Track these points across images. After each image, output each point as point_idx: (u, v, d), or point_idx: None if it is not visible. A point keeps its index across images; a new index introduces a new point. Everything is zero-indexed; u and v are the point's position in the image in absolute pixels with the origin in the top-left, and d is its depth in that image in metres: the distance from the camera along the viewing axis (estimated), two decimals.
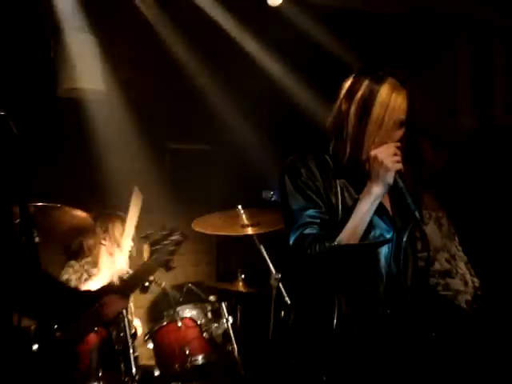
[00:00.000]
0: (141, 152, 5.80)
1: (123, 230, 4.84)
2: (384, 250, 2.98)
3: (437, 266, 4.34)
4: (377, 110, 2.92)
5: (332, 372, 2.93)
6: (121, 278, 4.51)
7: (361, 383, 2.93)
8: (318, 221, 2.89)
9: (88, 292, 3.85)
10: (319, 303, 2.96)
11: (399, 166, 2.86)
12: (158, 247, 3.70)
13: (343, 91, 3.01)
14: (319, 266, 2.86)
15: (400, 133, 2.94)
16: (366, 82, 2.96)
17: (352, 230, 2.83)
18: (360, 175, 2.91)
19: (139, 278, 3.73)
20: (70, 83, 5.26)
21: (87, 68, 5.27)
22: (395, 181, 2.86)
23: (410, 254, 3.11)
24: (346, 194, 2.95)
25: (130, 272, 4.52)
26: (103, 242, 5.02)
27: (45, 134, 5.10)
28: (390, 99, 2.92)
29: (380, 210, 2.95)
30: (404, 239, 2.99)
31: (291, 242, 2.89)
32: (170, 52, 5.67)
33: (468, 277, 4.38)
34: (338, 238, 2.80)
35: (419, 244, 4.05)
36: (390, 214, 3.04)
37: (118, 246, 4.95)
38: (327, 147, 3.07)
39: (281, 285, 4.82)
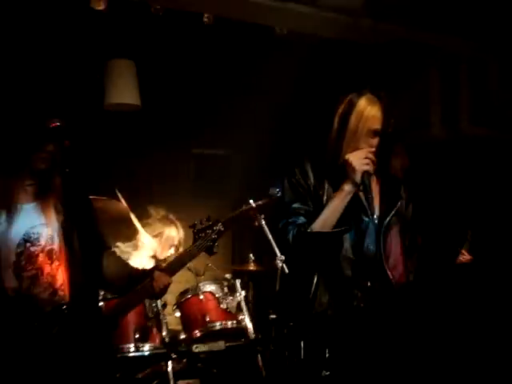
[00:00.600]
0: (170, 157, 5.83)
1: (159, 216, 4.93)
2: (368, 233, 3.01)
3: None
4: (353, 120, 2.99)
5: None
6: (166, 261, 4.58)
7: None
8: (303, 212, 2.97)
9: (143, 270, 3.87)
10: (301, 283, 3.04)
11: (367, 167, 2.93)
12: (201, 235, 3.74)
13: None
14: (294, 248, 2.95)
15: (375, 141, 2.99)
16: (348, 98, 3.03)
17: (324, 220, 2.91)
18: (340, 176, 2.97)
19: (183, 260, 3.76)
20: (113, 98, 5.34)
21: (127, 86, 5.33)
22: (362, 179, 2.92)
23: (394, 235, 3.10)
24: (331, 191, 3.00)
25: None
26: (143, 226, 5.00)
27: (94, 141, 5.13)
28: (365, 110, 2.98)
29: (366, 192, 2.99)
30: (385, 222, 3.04)
31: (279, 228, 2.99)
32: (195, 70, 5.70)
33: None
34: (312, 226, 2.90)
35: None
36: (375, 199, 3.07)
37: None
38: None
39: (284, 266, 4.85)
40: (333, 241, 2.97)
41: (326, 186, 3.01)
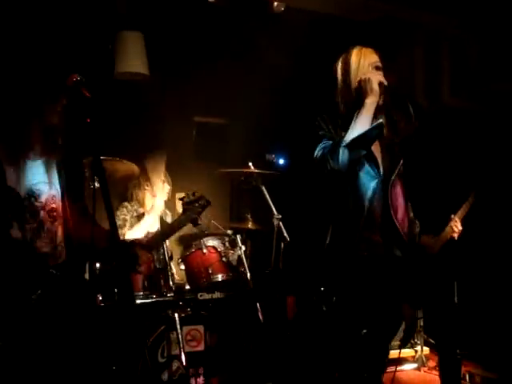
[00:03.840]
0: (174, 124, 5.91)
1: (160, 179, 5.02)
2: (372, 187, 3.03)
3: None
4: (353, 57, 3.11)
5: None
6: (151, 234, 4.66)
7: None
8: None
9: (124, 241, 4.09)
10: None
11: (382, 78, 3.00)
12: (189, 207, 3.94)
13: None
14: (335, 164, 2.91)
15: (379, 76, 3.05)
16: (343, 53, 3.17)
17: (355, 132, 2.94)
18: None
19: (173, 228, 3.89)
20: (123, 68, 5.40)
21: (136, 57, 5.39)
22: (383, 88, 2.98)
23: (399, 192, 3.16)
24: None
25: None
26: (146, 187, 5.10)
27: (105, 107, 5.15)
28: (362, 49, 3.14)
29: (369, 157, 3.03)
30: (392, 178, 3.09)
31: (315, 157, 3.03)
32: (199, 43, 5.77)
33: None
34: (345, 139, 2.93)
35: None
36: (379, 161, 3.10)
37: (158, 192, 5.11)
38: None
39: (281, 223, 4.97)
40: (371, 141, 2.99)
41: (343, 134, 3.03)
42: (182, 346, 4.10)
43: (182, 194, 4.21)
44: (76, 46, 4.87)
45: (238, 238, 4.85)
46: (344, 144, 2.90)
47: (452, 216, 4.50)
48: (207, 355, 4.36)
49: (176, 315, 4.20)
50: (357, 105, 3.04)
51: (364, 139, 2.95)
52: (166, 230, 4.32)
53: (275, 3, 5.42)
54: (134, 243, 3.95)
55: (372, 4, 5.49)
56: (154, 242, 4.13)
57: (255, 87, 5.79)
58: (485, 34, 5.81)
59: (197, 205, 3.98)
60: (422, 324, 5.70)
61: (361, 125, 2.94)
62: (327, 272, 3.16)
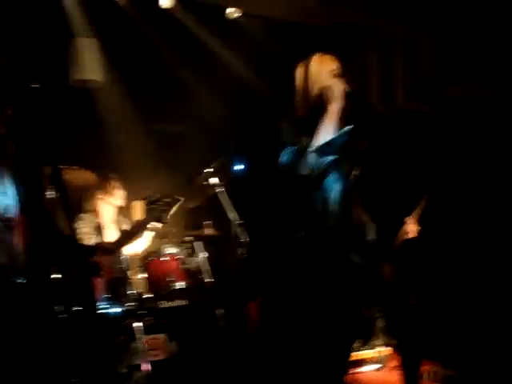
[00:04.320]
0: (132, 131, 5.87)
1: (119, 189, 4.93)
2: (338, 190, 3.03)
3: None
4: (313, 65, 3.07)
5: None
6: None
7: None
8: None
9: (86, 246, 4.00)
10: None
11: (344, 85, 2.96)
12: (152, 206, 3.87)
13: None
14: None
15: (341, 83, 3.01)
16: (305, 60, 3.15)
17: (321, 137, 2.90)
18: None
19: (136, 230, 3.83)
20: (77, 75, 5.34)
21: (90, 64, 5.35)
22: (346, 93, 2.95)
23: (355, 198, 3.15)
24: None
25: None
26: (105, 196, 4.95)
27: (60, 115, 5.09)
28: (322, 56, 3.12)
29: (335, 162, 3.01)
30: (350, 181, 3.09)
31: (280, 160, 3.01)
32: (155, 50, 5.69)
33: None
34: (312, 144, 2.90)
35: None
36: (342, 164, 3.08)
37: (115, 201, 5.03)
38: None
39: (239, 229, 4.95)
40: (337, 147, 2.97)
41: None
42: (143, 355, 4.06)
43: (139, 203, 4.17)
44: (29, 52, 4.79)
45: (198, 245, 4.83)
46: (311, 150, 2.91)
47: (405, 219, 4.55)
48: (169, 364, 4.32)
49: (137, 324, 4.16)
50: (319, 111, 3.05)
51: (331, 145, 2.95)
52: (129, 232, 4.24)
53: (229, 9, 5.41)
54: (95, 248, 3.88)
55: (326, 9, 5.53)
56: (116, 246, 4.07)
57: (212, 94, 5.79)
58: (437, 37, 5.91)
59: (161, 203, 3.91)
60: (383, 325, 5.76)
61: (326, 131, 2.94)
62: (295, 276, 3.16)
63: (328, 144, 2.92)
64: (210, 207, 5.50)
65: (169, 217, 3.97)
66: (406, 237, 4.48)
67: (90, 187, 4.85)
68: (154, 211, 3.89)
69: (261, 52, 5.47)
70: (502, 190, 5.52)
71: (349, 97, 2.99)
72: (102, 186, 4.98)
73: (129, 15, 5.33)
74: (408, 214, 4.56)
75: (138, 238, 4.25)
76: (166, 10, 5.31)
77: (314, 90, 3.06)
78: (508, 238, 5.44)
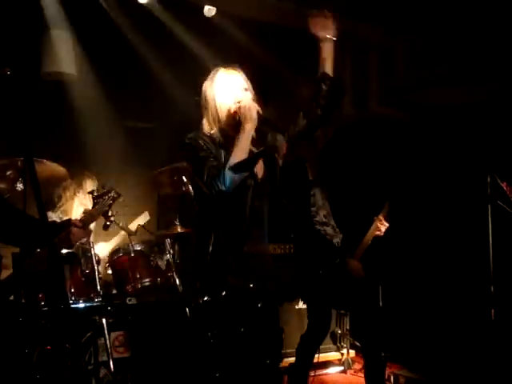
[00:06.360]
0: (104, 127, 5.84)
1: (93, 186, 4.87)
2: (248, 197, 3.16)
3: (318, 218, 4.59)
4: (221, 81, 3.17)
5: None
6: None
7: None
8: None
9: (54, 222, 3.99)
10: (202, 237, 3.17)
11: (256, 107, 3.07)
12: (99, 200, 3.91)
13: None
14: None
15: (248, 95, 3.14)
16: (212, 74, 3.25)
17: (237, 156, 3.01)
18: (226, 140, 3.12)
19: (86, 222, 3.82)
20: (49, 67, 5.30)
21: (63, 56, 5.31)
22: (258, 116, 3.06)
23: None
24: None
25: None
26: (77, 194, 4.96)
27: (31, 107, 5.03)
28: (229, 69, 3.21)
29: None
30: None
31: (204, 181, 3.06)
32: (130, 46, 5.64)
33: (335, 227, 4.62)
34: (229, 163, 3.01)
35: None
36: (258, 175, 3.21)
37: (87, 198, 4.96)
38: None
39: None
40: (253, 165, 3.12)
41: (222, 152, 3.11)
42: (109, 352, 4.04)
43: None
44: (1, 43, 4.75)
45: (167, 242, 4.81)
46: (228, 167, 3.00)
47: (375, 218, 4.62)
48: (135, 361, 4.31)
49: (104, 320, 4.13)
50: (233, 128, 3.12)
51: (247, 163, 3.06)
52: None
53: (206, 7, 5.41)
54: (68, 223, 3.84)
55: (302, 11, 5.54)
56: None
57: (184, 91, 5.78)
58: (412, 42, 5.98)
59: (106, 197, 3.93)
60: (347, 327, 5.82)
61: (242, 150, 3.04)
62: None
63: (244, 162, 3.02)
64: (176, 205, 5.53)
65: (110, 212, 4.02)
66: (376, 234, 4.56)
67: (61, 181, 4.80)
68: (101, 205, 3.92)
69: (236, 51, 5.46)
70: (465, 192, 5.63)
71: (262, 118, 3.09)
72: (78, 182, 4.98)
73: (105, 8, 5.29)
74: (375, 214, 4.64)
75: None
76: (142, 5, 5.29)
77: (227, 105, 3.13)
78: (469, 239, 5.55)
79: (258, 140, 3.16)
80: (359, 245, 4.59)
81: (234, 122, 3.10)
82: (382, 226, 4.58)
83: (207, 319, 3.16)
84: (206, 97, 3.19)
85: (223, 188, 2.97)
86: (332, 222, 4.63)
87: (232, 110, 3.11)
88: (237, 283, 3.10)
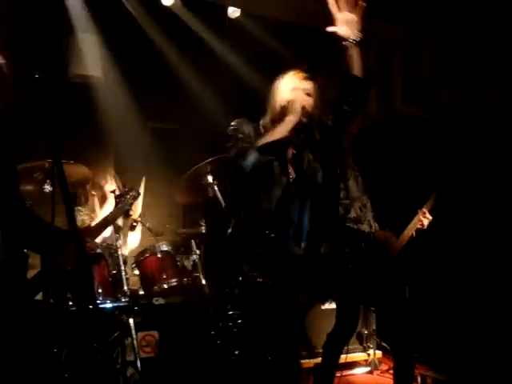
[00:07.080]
0: (130, 128, 5.89)
1: (116, 186, 4.91)
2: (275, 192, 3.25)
3: (352, 213, 4.40)
4: (285, 80, 3.39)
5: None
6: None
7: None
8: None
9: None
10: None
11: (307, 102, 3.26)
12: (121, 199, 3.96)
13: None
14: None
15: (304, 100, 3.28)
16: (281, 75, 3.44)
17: (267, 138, 3.19)
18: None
19: (109, 220, 3.86)
20: (76, 70, 5.38)
21: (89, 59, 5.38)
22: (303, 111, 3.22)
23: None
24: None
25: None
26: (93, 193, 5.03)
27: (58, 109, 5.07)
28: (297, 74, 3.39)
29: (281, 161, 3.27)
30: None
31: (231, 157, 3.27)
32: (155, 48, 5.71)
33: (372, 223, 4.47)
34: (258, 142, 3.18)
35: (342, 193, 4.33)
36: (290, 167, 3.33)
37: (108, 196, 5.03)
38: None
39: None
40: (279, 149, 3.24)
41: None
42: (136, 351, 4.07)
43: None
44: (29, 46, 4.81)
45: (193, 243, 4.84)
46: (256, 147, 3.15)
47: (419, 210, 4.53)
48: (162, 361, 4.33)
49: (131, 320, 4.16)
50: (279, 120, 3.28)
51: (273, 147, 3.18)
52: (99, 225, 4.25)
53: (230, 9, 5.44)
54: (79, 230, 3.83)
55: (327, 11, 5.53)
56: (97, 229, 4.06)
57: (210, 92, 5.81)
58: (436, 41, 5.94)
59: (128, 196, 3.99)
60: (374, 328, 5.79)
61: (273, 134, 3.19)
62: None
63: (270, 145, 3.17)
64: (202, 206, 5.54)
65: (132, 211, 4.08)
66: (419, 227, 4.48)
67: (86, 183, 4.86)
68: (123, 205, 3.97)
69: (261, 52, 5.48)
70: (500, 191, 5.56)
71: (307, 114, 3.26)
72: (94, 183, 5.02)
73: (131, 12, 5.34)
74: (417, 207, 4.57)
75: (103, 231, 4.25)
76: (167, 7, 5.33)
77: (281, 101, 3.32)
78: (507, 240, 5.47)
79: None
80: (399, 237, 4.48)
81: (281, 116, 3.26)
82: (425, 219, 4.48)
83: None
84: (271, 91, 3.38)
85: (244, 164, 3.13)
86: (369, 216, 4.48)
87: (283, 104, 3.28)
88: (251, 277, 3.19)
